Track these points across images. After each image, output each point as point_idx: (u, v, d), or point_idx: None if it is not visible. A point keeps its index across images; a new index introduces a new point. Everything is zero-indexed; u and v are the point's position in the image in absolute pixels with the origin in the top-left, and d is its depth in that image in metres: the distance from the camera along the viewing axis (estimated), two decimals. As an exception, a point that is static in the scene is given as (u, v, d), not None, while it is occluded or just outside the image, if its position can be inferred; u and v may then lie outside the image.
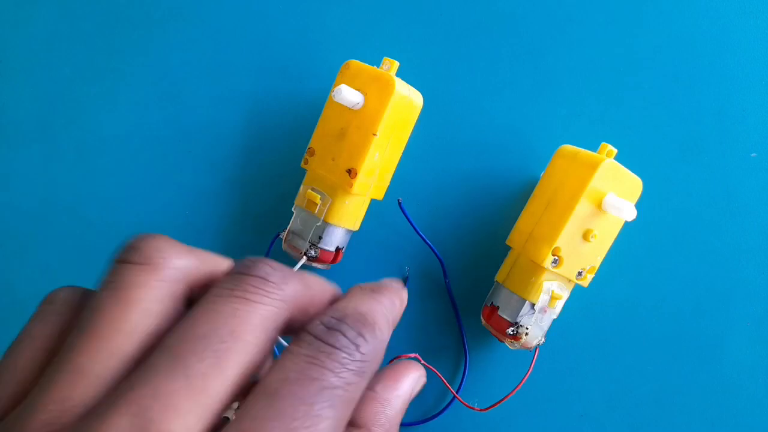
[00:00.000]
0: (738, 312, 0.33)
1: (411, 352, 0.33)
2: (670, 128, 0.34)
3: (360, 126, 0.29)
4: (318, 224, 0.31)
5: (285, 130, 0.36)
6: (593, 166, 0.28)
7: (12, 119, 0.38)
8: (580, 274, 0.29)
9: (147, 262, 0.17)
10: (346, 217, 0.31)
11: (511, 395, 0.30)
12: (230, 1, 0.37)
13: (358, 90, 0.29)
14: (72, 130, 0.37)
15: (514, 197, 0.34)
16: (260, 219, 0.36)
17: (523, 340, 0.29)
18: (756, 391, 0.33)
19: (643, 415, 0.33)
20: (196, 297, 0.17)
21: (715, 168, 0.33)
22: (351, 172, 0.29)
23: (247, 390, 0.15)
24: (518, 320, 0.29)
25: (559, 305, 0.30)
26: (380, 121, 0.29)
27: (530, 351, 0.31)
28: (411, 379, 0.21)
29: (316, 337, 0.15)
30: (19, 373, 0.15)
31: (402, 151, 0.32)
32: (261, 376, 0.15)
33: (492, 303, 0.31)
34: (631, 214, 0.27)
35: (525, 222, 0.31)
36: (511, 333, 0.29)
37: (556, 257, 0.28)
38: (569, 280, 0.30)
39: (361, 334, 0.16)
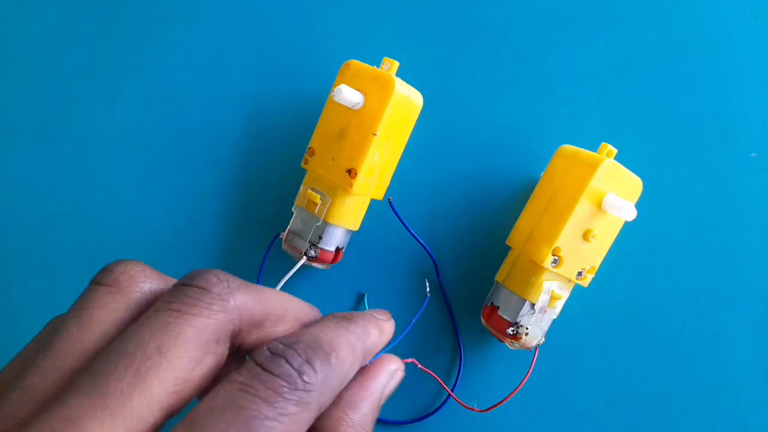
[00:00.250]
0: (738, 312, 0.33)
1: (407, 352, 0.33)
2: (670, 128, 0.34)
3: (360, 126, 0.29)
4: (318, 224, 0.31)
5: (285, 130, 0.36)
6: (593, 166, 0.28)
7: (12, 119, 0.38)
8: (580, 274, 0.29)
9: (113, 284, 0.17)
10: (346, 217, 0.31)
11: (511, 396, 0.30)
12: (230, 1, 0.37)
13: (358, 90, 0.29)
14: (72, 130, 0.37)
15: (514, 197, 0.34)
16: (260, 219, 0.36)
17: (523, 340, 0.29)
18: (756, 391, 0.33)
19: (643, 415, 0.33)
20: None
21: (715, 168, 0.33)
22: (351, 172, 0.29)
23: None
24: (518, 320, 0.29)
25: (559, 305, 0.30)
26: (380, 121, 0.29)
27: (530, 351, 0.31)
28: (382, 378, 0.20)
29: (257, 363, 0.15)
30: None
31: (402, 151, 0.32)
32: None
33: (492, 303, 0.31)
34: (631, 214, 0.27)
35: (525, 222, 0.31)
36: (511, 333, 0.29)
37: (556, 257, 0.28)
38: (569, 280, 0.30)
39: (309, 362, 0.15)
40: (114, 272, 0.17)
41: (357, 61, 0.30)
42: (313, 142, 0.31)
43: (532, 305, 0.29)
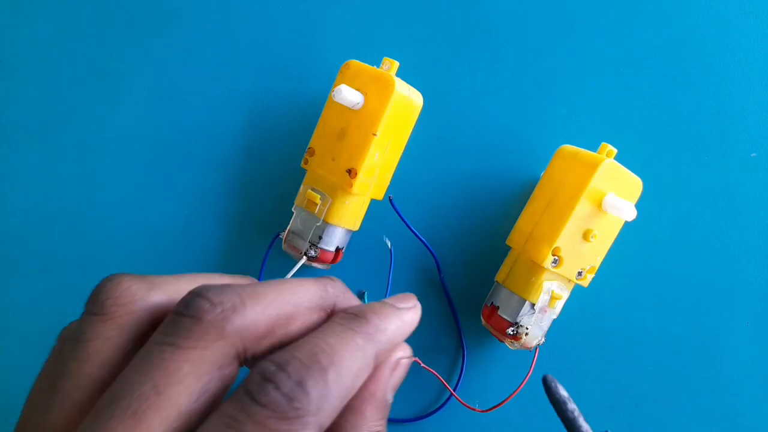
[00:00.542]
0: (738, 312, 0.33)
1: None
2: (670, 128, 0.34)
3: (360, 126, 0.29)
4: (318, 224, 0.31)
5: (285, 130, 0.36)
6: (593, 166, 0.28)
7: (12, 119, 0.38)
8: (580, 274, 0.29)
9: (101, 313, 0.16)
10: (346, 217, 0.31)
11: (512, 396, 0.30)
12: (230, 1, 0.37)
13: (358, 90, 0.29)
14: (72, 130, 0.37)
15: (514, 197, 0.34)
16: (260, 219, 0.36)
17: (523, 340, 0.29)
18: (756, 391, 0.33)
19: (643, 415, 0.33)
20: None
21: (715, 168, 0.33)
22: (351, 172, 0.29)
23: None
24: (518, 320, 0.29)
25: (559, 305, 0.30)
26: (380, 121, 0.29)
27: (530, 351, 0.31)
28: (383, 374, 0.18)
29: (245, 391, 0.14)
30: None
31: (402, 151, 0.32)
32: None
33: (492, 303, 0.31)
34: (631, 214, 0.27)
35: (525, 222, 0.31)
36: (511, 333, 0.29)
37: (556, 257, 0.28)
38: (569, 280, 0.30)
39: (301, 384, 0.14)
40: (99, 298, 0.16)
41: (357, 61, 0.30)
42: (313, 142, 0.31)
43: (532, 305, 0.29)
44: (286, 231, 0.32)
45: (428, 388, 0.34)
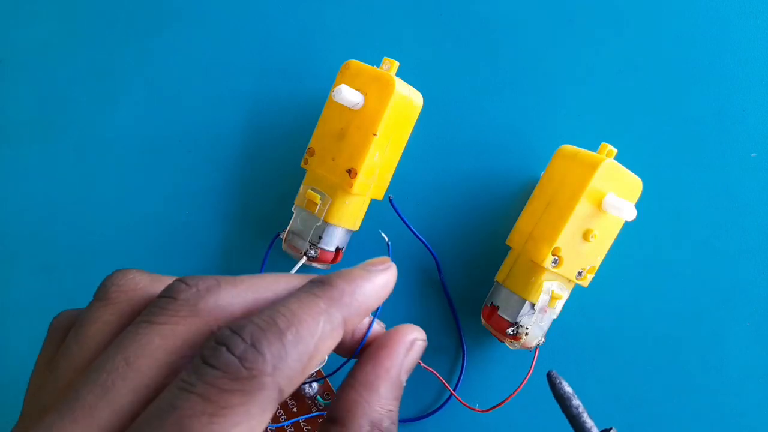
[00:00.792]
0: (738, 312, 0.33)
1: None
2: (670, 128, 0.34)
3: (360, 126, 0.29)
4: (318, 224, 0.31)
5: (285, 130, 0.36)
6: (593, 166, 0.28)
7: (12, 119, 0.38)
8: (580, 274, 0.29)
9: (104, 298, 0.17)
10: (346, 217, 0.31)
11: (512, 396, 0.30)
12: (230, 1, 0.37)
13: (358, 90, 0.29)
14: (72, 130, 0.37)
15: (514, 197, 0.34)
16: (260, 219, 0.36)
17: (523, 340, 0.29)
18: (756, 391, 0.33)
19: (643, 415, 0.33)
20: None
21: (715, 168, 0.33)
22: (351, 172, 0.30)
23: None
24: (518, 320, 0.29)
25: (559, 305, 0.30)
26: (380, 121, 0.29)
27: (530, 351, 0.31)
28: (399, 350, 0.18)
29: (200, 355, 0.14)
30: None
31: (402, 151, 0.32)
32: None
33: (492, 303, 0.31)
34: (631, 214, 0.27)
35: (525, 222, 0.31)
36: (511, 333, 0.29)
37: (556, 257, 0.28)
38: (569, 280, 0.30)
39: (255, 345, 0.14)
40: (105, 285, 0.17)
41: (357, 61, 0.30)
42: (313, 142, 0.31)
43: (532, 305, 0.29)
44: (286, 231, 0.32)
45: (428, 387, 0.34)
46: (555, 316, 0.30)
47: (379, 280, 0.18)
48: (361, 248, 0.34)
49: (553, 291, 0.29)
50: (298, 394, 0.34)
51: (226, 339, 0.14)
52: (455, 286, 0.34)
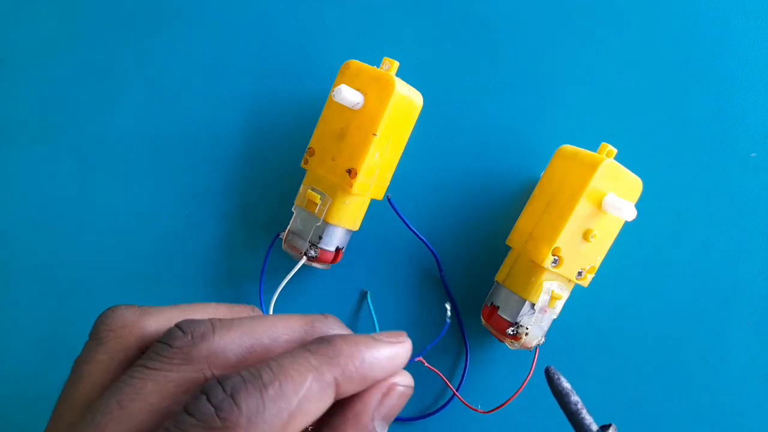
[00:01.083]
0: (738, 312, 0.33)
1: (413, 351, 0.33)
2: (670, 128, 0.34)
3: (360, 126, 0.29)
4: (318, 224, 0.31)
5: (285, 130, 0.36)
6: (593, 166, 0.28)
7: (12, 119, 0.38)
8: (580, 274, 0.29)
9: (95, 337, 0.18)
10: (346, 217, 0.31)
11: (514, 397, 0.30)
12: (230, 1, 0.37)
13: (358, 90, 0.29)
14: (72, 130, 0.37)
15: (514, 197, 0.34)
16: (260, 219, 0.36)
17: (523, 340, 0.29)
18: (756, 391, 0.33)
19: (643, 415, 0.33)
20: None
21: (715, 168, 0.33)
22: (351, 172, 0.29)
23: None
24: (518, 320, 0.29)
25: (559, 305, 0.30)
26: (380, 121, 0.29)
27: (530, 351, 0.31)
28: (371, 398, 0.17)
29: (183, 404, 0.15)
30: None
31: (402, 151, 0.32)
32: None
33: (492, 303, 0.31)
34: (631, 214, 0.27)
35: (525, 222, 0.31)
36: (511, 333, 0.29)
37: (556, 257, 0.28)
38: (569, 280, 0.30)
39: (233, 396, 0.14)
40: (97, 326, 0.18)
41: (357, 61, 0.30)
42: (313, 142, 0.31)
43: (532, 305, 0.29)
44: (286, 231, 0.32)
45: (430, 387, 0.34)
46: (555, 316, 0.30)
47: (384, 351, 0.17)
48: (361, 248, 0.34)
49: (553, 291, 0.29)
50: None
51: (208, 389, 0.14)
52: (455, 286, 0.34)
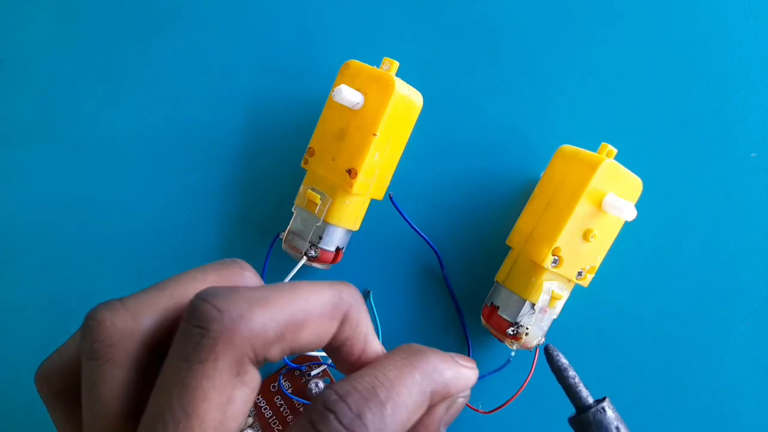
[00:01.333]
0: (738, 312, 0.33)
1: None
2: (670, 128, 0.34)
3: (360, 126, 0.29)
4: (318, 224, 0.31)
5: (285, 130, 0.36)
6: (593, 166, 0.28)
7: (12, 119, 0.38)
8: (580, 274, 0.29)
9: (96, 357, 0.17)
10: (346, 217, 0.31)
11: (514, 397, 0.30)
12: (230, 1, 0.37)
13: (358, 90, 0.29)
14: (72, 130, 0.37)
15: (514, 197, 0.34)
16: (260, 219, 0.36)
17: (523, 340, 0.29)
18: (756, 391, 0.33)
19: (643, 415, 0.33)
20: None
21: (715, 168, 0.33)
22: (351, 172, 0.29)
23: None
24: (518, 320, 0.29)
25: (559, 305, 0.30)
26: (380, 121, 0.29)
27: (530, 351, 0.31)
28: (438, 411, 0.19)
29: (309, 419, 0.15)
30: None
31: (402, 151, 0.32)
32: None
33: (492, 303, 0.31)
34: (631, 214, 0.27)
35: (525, 222, 0.31)
36: (511, 333, 0.29)
37: (556, 257, 0.28)
38: (569, 280, 0.30)
39: (360, 416, 0.15)
40: (89, 343, 0.17)
41: (357, 61, 0.30)
42: (313, 142, 0.31)
43: (532, 305, 0.29)
44: (286, 231, 0.32)
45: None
46: (555, 316, 0.30)
47: (465, 373, 0.19)
48: (361, 248, 0.34)
49: (553, 291, 0.29)
50: (305, 394, 0.34)
51: (332, 405, 0.15)
52: (455, 286, 0.34)
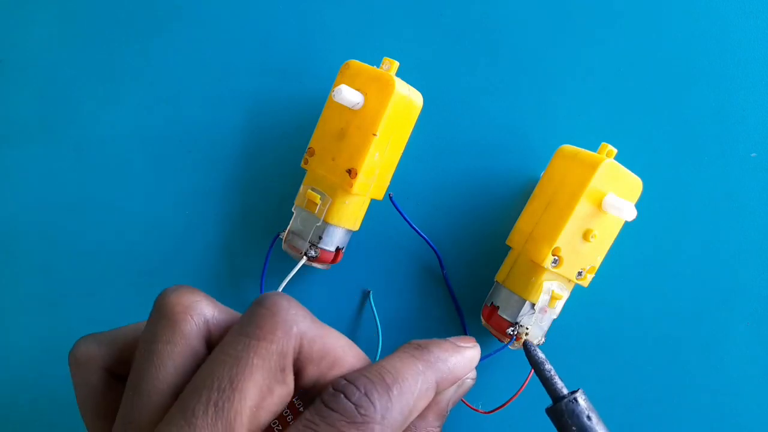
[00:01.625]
0: (738, 312, 0.33)
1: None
2: (670, 128, 0.34)
3: (360, 126, 0.29)
4: (318, 224, 0.31)
5: (285, 130, 0.36)
6: (593, 166, 0.28)
7: (12, 119, 0.38)
8: (580, 274, 0.29)
9: (171, 317, 0.18)
10: (346, 217, 0.31)
11: (514, 397, 0.30)
12: (230, 1, 0.37)
13: (358, 90, 0.29)
14: (72, 130, 0.37)
15: (514, 197, 0.34)
16: (260, 219, 0.36)
17: (523, 340, 0.29)
18: (756, 391, 0.33)
19: (643, 415, 0.33)
20: (215, 338, 0.18)
21: (715, 168, 0.33)
22: (351, 172, 0.29)
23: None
24: (518, 320, 0.29)
25: (559, 305, 0.30)
26: (380, 121, 0.29)
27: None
28: (449, 389, 0.21)
29: (321, 400, 0.16)
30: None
31: (402, 151, 0.32)
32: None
33: (492, 303, 0.31)
34: (631, 214, 0.27)
35: (525, 222, 0.31)
36: (511, 333, 0.29)
37: (556, 257, 0.28)
38: (569, 280, 0.30)
39: (367, 395, 0.16)
40: (170, 303, 0.18)
41: (357, 61, 0.30)
42: (313, 142, 0.31)
43: (532, 305, 0.29)
44: (286, 231, 0.32)
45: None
46: (555, 316, 0.30)
47: (468, 354, 0.21)
48: (361, 248, 0.34)
49: (553, 291, 0.29)
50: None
51: (343, 387, 0.16)
52: (455, 286, 0.34)
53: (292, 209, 0.32)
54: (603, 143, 0.29)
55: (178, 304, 0.18)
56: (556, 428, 0.25)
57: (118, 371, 0.20)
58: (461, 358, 0.20)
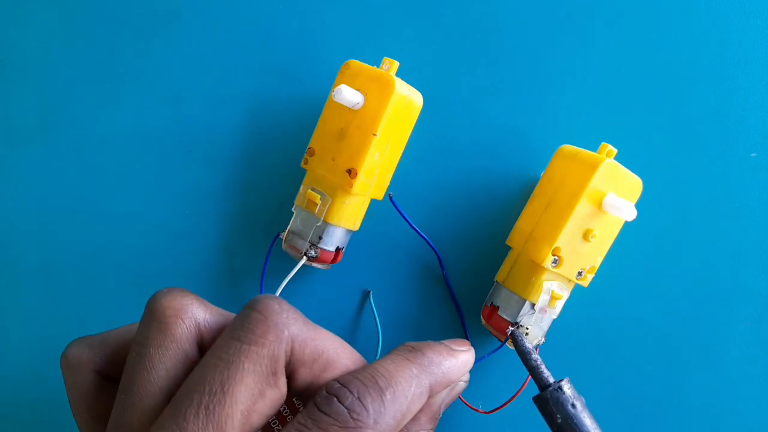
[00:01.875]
0: (738, 312, 0.33)
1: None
2: (670, 128, 0.34)
3: (360, 126, 0.29)
4: (318, 224, 0.31)
5: (285, 130, 0.36)
6: (593, 166, 0.28)
7: (12, 119, 0.38)
8: (580, 274, 0.29)
9: (163, 321, 0.18)
10: (346, 217, 0.31)
11: (514, 397, 0.30)
12: (230, 1, 0.37)
13: (358, 90, 0.29)
14: (72, 130, 0.37)
15: (514, 197, 0.34)
16: (260, 219, 0.36)
17: (510, 331, 0.29)
18: (756, 391, 0.33)
19: (643, 415, 0.33)
20: (206, 343, 0.18)
21: (715, 168, 0.33)
22: (351, 172, 0.29)
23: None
24: (518, 320, 0.29)
25: (559, 305, 0.30)
26: (380, 121, 0.29)
27: (530, 351, 0.31)
28: (441, 392, 0.21)
29: (314, 403, 0.16)
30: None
31: (402, 151, 0.32)
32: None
33: (492, 303, 0.31)
34: (631, 214, 0.27)
35: (525, 222, 0.31)
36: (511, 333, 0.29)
37: (556, 257, 0.28)
38: (569, 280, 0.30)
39: (360, 399, 0.16)
40: (162, 307, 0.18)
41: (357, 61, 0.30)
42: (313, 142, 0.31)
43: (532, 305, 0.29)
44: (286, 231, 0.32)
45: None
46: (555, 316, 0.30)
47: (462, 358, 0.21)
48: (361, 248, 0.34)
49: (553, 291, 0.29)
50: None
51: (336, 391, 0.16)
52: (455, 286, 0.34)
53: (292, 209, 0.32)
54: (603, 143, 0.29)
55: (170, 308, 0.18)
56: (543, 416, 0.25)
57: (109, 373, 0.19)
58: (455, 361, 0.20)
